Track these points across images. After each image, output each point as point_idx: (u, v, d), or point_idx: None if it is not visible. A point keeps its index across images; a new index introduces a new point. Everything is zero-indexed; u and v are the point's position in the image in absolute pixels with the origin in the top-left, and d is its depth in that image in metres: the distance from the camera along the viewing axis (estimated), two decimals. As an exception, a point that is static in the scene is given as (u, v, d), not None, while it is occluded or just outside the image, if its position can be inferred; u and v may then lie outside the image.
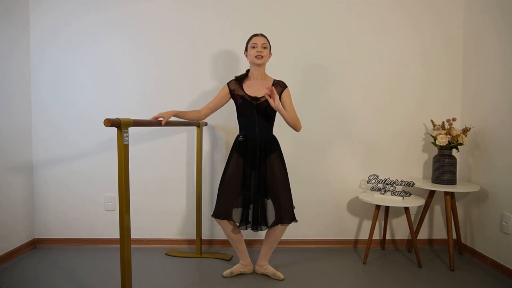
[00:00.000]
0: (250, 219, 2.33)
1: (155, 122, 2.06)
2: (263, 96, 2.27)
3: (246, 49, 2.33)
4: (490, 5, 2.68)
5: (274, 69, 2.66)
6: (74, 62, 2.88)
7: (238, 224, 2.33)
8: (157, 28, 2.88)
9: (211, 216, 2.32)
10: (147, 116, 2.85)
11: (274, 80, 2.36)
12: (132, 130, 2.82)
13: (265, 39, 2.29)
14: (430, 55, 2.96)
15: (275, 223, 2.27)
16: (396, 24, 2.93)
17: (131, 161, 2.61)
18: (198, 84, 2.92)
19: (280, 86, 2.33)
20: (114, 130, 2.79)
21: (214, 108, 2.39)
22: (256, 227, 2.32)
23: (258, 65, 2.28)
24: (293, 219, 2.29)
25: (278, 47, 2.82)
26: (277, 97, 2.14)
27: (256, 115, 2.27)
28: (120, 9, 2.86)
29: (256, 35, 2.30)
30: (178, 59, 2.90)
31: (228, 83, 2.37)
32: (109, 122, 1.63)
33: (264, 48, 2.26)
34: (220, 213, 2.27)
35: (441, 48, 2.96)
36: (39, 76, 2.87)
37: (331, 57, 2.93)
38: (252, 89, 2.31)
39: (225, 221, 2.29)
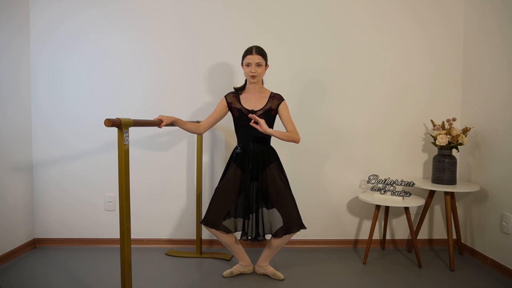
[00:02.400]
0: (247, 229, 2.35)
1: (155, 122, 2.06)
2: (260, 110, 2.28)
3: (242, 63, 2.30)
4: (492, 1, 2.68)
5: (271, 81, 2.66)
6: (74, 62, 2.87)
7: (228, 233, 2.32)
8: (158, 26, 2.87)
9: (200, 223, 2.32)
10: (147, 117, 2.85)
11: (271, 92, 2.36)
12: (133, 130, 2.82)
13: (259, 57, 2.23)
14: (430, 55, 2.96)
15: (282, 233, 2.27)
16: (394, 25, 2.93)
17: (131, 161, 2.60)
18: (199, 83, 2.91)
19: (277, 99, 2.33)
20: (114, 130, 2.79)
21: (213, 123, 2.37)
22: (255, 238, 2.34)
23: (254, 83, 2.29)
24: (301, 226, 2.28)
25: (276, 57, 2.83)
26: (262, 122, 2.11)
27: (253, 128, 2.22)
28: (120, 5, 2.86)
29: (250, 52, 2.24)
30: (179, 58, 2.89)
31: (225, 96, 2.36)
32: (110, 122, 1.64)
33: (259, 66, 2.24)
34: (209, 221, 2.26)
35: (441, 48, 2.96)
36: (39, 76, 2.87)
37: (329, 60, 2.92)
38: (249, 102, 2.32)
39: (213, 229, 2.28)
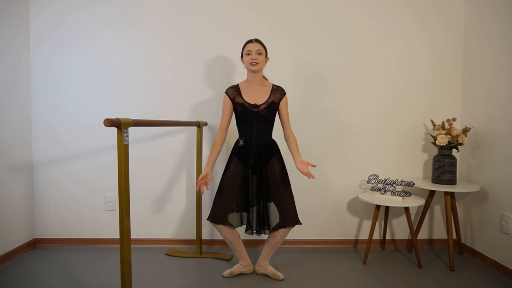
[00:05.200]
0: (251, 223, 2.38)
1: (155, 122, 2.06)
2: (263, 104, 2.28)
3: (242, 56, 2.32)
4: (492, 1, 2.67)
5: (274, 80, 2.66)
6: (74, 61, 2.87)
7: (234, 228, 2.35)
8: (159, 24, 2.87)
9: (207, 219, 2.33)
10: (147, 117, 2.85)
11: (273, 85, 2.35)
12: (133, 130, 2.82)
13: (259, 45, 2.26)
14: (430, 55, 2.96)
15: (278, 227, 2.28)
16: (394, 24, 2.93)
17: (131, 162, 2.60)
18: (200, 81, 2.91)
19: (279, 92, 2.33)
20: (113, 130, 2.79)
21: (228, 125, 2.36)
22: (258, 231, 2.37)
23: (254, 71, 2.27)
24: (297, 222, 2.29)
25: (277, 53, 2.82)
26: (306, 165, 2.15)
27: (255, 122, 2.28)
28: (120, 4, 2.85)
29: (250, 41, 2.27)
30: (180, 56, 2.89)
31: (226, 92, 2.33)
32: (109, 122, 1.63)
33: (259, 54, 2.24)
34: (216, 217, 2.27)
35: (441, 48, 2.96)
36: (39, 75, 2.87)
37: (330, 59, 2.92)
38: (251, 96, 2.30)
39: (221, 225, 2.29)
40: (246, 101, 2.29)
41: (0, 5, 2.54)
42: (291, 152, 2.32)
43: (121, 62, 2.88)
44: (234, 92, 2.33)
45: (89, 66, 2.88)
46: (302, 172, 2.13)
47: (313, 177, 2.12)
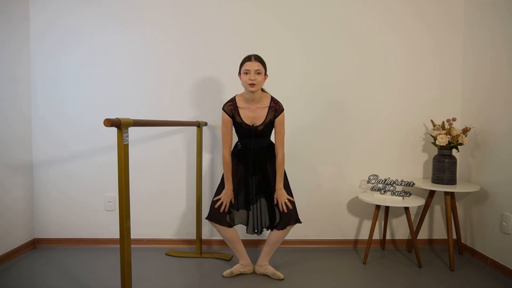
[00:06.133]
0: (252, 223, 2.41)
1: (155, 122, 2.06)
2: (260, 125, 2.26)
3: (239, 72, 2.23)
4: (492, 0, 2.67)
5: (277, 83, 2.66)
6: (74, 61, 2.87)
7: (232, 227, 2.37)
8: (160, 24, 2.87)
9: (205, 218, 2.33)
10: (147, 117, 2.85)
11: (271, 101, 2.27)
12: (132, 131, 2.81)
13: (258, 63, 2.15)
14: (430, 55, 2.95)
15: (279, 226, 2.29)
16: (395, 25, 2.93)
17: (131, 162, 2.60)
18: (199, 82, 2.91)
19: (275, 111, 2.25)
20: (113, 130, 2.78)
21: (232, 139, 2.33)
22: (259, 230, 2.39)
23: (252, 91, 2.18)
24: (297, 220, 2.30)
25: (282, 55, 2.82)
26: (282, 199, 2.27)
27: (253, 138, 2.30)
28: (121, 2, 2.85)
29: (249, 59, 2.17)
30: (179, 56, 2.89)
31: (224, 110, 2.26)
32: (109, 122, 1.63)
33: (258, 74, 2.14)
34: (214, 216, 2.28)
35: (441, 48, 2.96)
36: (39, 75, 2.86)
37: (330, 60, 2.92)
38: (248, 115, 2.26)
39: (219, 224, 2.30)
40: (244, 122, 2.26)
41: (0, 4, 2.54)
42: (276, 170, 2.29)
43: (121, 62, 2.88)
44: (232, 110, 2.27)
45: (89, 65, 2.88)
46: (278, 200, 2.25)
47: (285, 211, 2.24)
